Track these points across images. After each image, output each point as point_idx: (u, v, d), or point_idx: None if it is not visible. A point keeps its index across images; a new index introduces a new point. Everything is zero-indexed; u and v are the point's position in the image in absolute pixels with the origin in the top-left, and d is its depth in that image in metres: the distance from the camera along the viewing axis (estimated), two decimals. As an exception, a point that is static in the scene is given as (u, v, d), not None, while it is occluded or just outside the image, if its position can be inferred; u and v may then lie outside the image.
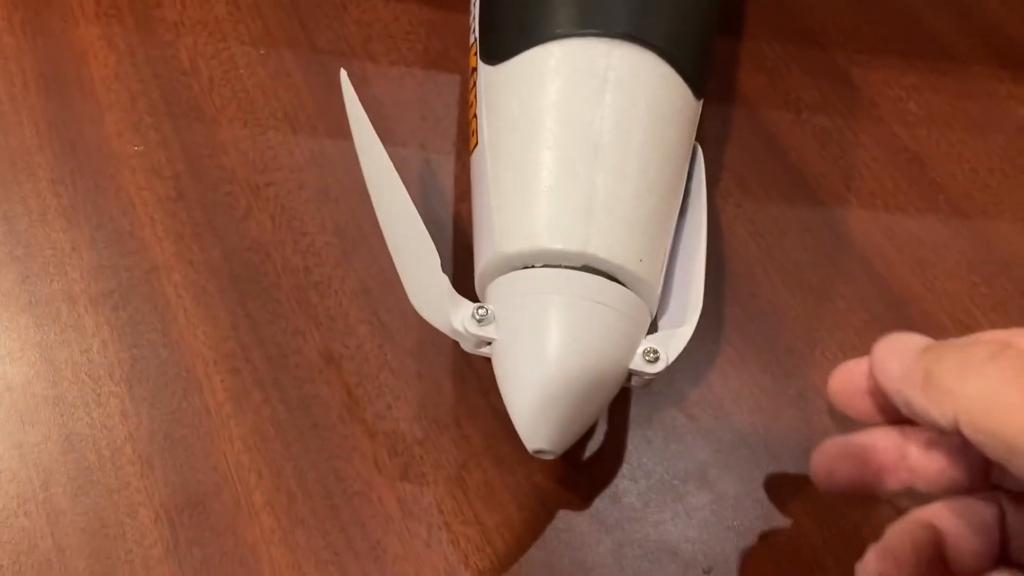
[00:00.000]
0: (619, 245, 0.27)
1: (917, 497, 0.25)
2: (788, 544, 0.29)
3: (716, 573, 0.29)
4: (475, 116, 0.31)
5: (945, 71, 0.39)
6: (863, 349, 0.25)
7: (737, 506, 0.30)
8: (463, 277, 0.31)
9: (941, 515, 0.24)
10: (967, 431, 0.21)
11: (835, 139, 0.37)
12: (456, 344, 0.29)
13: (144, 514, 0.28)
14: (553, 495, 0.30)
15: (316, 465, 0.30)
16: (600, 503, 0.29)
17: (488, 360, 0.28)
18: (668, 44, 0.30)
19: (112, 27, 0.38)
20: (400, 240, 0.28)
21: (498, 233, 0.28)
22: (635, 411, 0.31)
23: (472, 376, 0.31)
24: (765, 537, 0.29)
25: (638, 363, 0.27)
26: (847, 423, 0.26)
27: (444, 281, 0.28)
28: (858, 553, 0.24)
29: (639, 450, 0.30)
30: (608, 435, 0.31)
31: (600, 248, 0.27)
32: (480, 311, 0.27)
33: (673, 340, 0.28)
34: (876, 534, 0.24)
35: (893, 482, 0.25)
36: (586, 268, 0.27)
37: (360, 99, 0.29)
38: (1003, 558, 0.24)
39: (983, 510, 0.24)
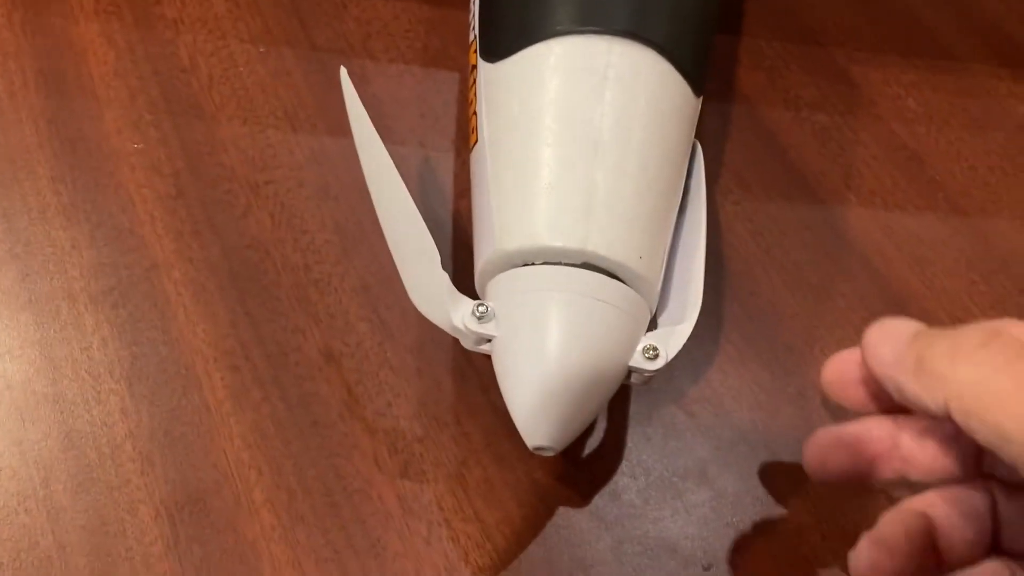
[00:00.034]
0: (619, 242, 0.27)
1: (912, 487, 0.25)
2: (787, 541, 0.29)
3: (715, 570, 0.29)
4: (475, 114, 0.31)
5: (944, 69, 0.39)
6: (862, 347, 0.25)
7: (736, 503, 0.30)
8: (463, 274, 0.31)
9: (934, 504, 0.24)
10: (958, 417, 0.21)
11: (834, 137, 0.37)
12: (456, 341, 0.29)
13: (144, 511, 0.28)
14: (553, 492, 0.30)
15: (316, 462, 0.30)
16: (600, 500, 0.30)
17: (488, 357, 0.28)
18: (668, 42, 0.30)
19: (111, 24, 0.38)
20: (400, 238, 0.28)
21: (498, 230, 0.28)
22: (635, 408, 0.31)
23: (472, 373, 0.31)
24: (764, 534, 0.29)
25: (638, 360, 0.27)
26: (841, 414, 0.26)
27: (444, 278, 0.28)
28: (857, 550, 0.24)
29: (639, 447, 0.30)
30: (608, 432, 0.31)
31: (600, 245, 0.27)
32: (480, 308, 0.27)
33: (673, 337, 0.28)
34: (875, 531, 0.24)
35: (886, 471, 0.25)
36: (586, 265, 0.27)
37: (360, 97, 0.29)
38: (995, 547, 0.24)
39: (975, 499, 0.24)
